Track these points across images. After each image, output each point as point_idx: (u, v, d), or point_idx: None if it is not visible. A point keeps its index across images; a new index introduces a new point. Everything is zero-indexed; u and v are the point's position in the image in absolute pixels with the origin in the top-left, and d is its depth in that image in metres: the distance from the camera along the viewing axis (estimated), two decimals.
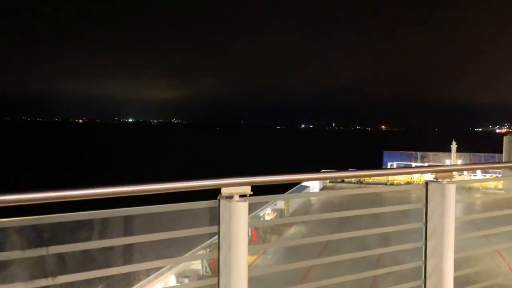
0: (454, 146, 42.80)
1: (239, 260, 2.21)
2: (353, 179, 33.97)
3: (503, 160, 16.71)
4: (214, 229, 2.30)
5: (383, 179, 34.69)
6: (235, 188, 2.30)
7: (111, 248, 2.13)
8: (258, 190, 2.37)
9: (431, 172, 3.36)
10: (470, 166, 4.89)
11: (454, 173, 3.28)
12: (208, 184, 2.26)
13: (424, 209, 3.17)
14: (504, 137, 15.52)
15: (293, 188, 22.93)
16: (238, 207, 2.24)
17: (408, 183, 33.15)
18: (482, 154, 45.46)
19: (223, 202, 2.27)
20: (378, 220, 3.64)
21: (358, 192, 3.06)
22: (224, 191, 2.29)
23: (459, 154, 43.59)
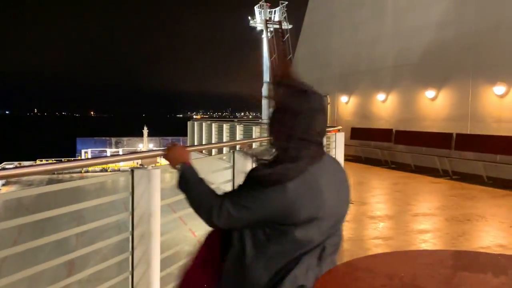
0: (145, 131, 45.43)
1: None
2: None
3: (188, 142, 18.44)
4: None
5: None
6: None
7: None
8: None
9: (137, 159, 3.16)
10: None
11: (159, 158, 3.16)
12: None
13: (131, 197, 2.91)
14: (188, 122, 17.12)
15: None
16: None
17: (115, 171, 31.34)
18: (170, 138, 49.87)
19: None
20: (83, 217, 3.12)
21: (54, 188, 2.40)
22: None
23: (150, 138, 46.93)
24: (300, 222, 1.37)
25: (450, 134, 10.26)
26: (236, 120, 14.84)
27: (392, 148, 11.98)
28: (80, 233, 2.50)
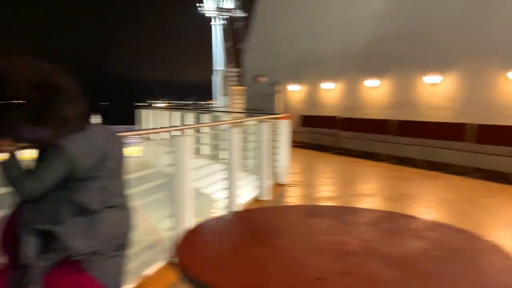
0: (97, 119, 44.95)
1: None
2: None
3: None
4: None
5: None
6: None
7: None
8: None
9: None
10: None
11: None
12: None
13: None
14: (135, 110, 16.74)
15: None
16: None
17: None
18: (124, 126, 49.75)
19: None
20: None
21: None
22: None
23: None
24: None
25: (388, 121, 10.78)
26: (189, 108, 14.71)
27: (338, 135, 12.37)
28: None
